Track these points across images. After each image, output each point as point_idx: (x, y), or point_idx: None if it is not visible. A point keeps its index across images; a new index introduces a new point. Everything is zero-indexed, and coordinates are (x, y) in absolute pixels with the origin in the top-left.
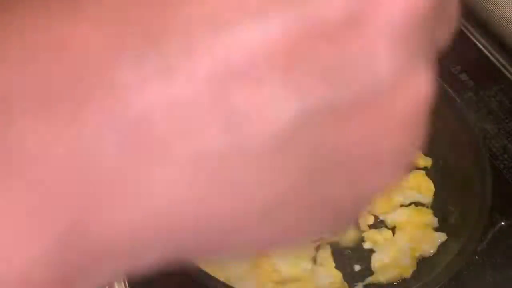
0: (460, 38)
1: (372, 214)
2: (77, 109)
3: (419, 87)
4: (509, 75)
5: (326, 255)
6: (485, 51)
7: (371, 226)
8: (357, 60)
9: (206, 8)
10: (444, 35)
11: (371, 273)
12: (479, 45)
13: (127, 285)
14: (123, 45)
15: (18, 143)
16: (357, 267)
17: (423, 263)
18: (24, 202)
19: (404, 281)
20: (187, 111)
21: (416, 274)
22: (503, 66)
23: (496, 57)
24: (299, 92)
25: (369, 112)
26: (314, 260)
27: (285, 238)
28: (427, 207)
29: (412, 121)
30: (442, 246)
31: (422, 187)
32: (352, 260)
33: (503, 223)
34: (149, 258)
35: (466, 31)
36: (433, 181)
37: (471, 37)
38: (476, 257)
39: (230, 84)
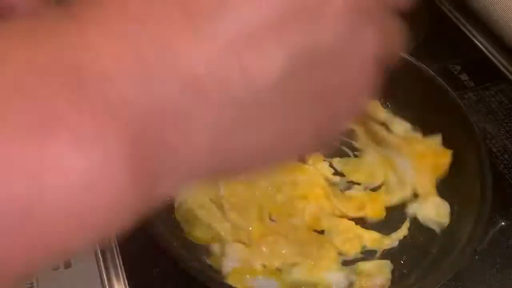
0: (460, 38)
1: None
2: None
3: (367, 40)
4: (509, 75)
5: None
6: (485, 51)
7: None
8: (323, 23)
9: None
10: None
11: None
12: (479, 45)
13: (127, 285)
14: (170, 20)
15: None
16: None
17: (423, 263)
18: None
19: (403, 281)
20: (218, 66)
21: (416, 274)
22: (503, 66)
23: (496, 57)
24: (285, 46)
25: (335, 56)
26: None
27: (288, 152)
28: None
29: (366, 65)
30: (442, 246)
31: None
32: None
33: (503, 223)
34: (203, 166)
35: (466, 31)
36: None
37: (471, 37)
38: (476, 257)
39: (241, 48)
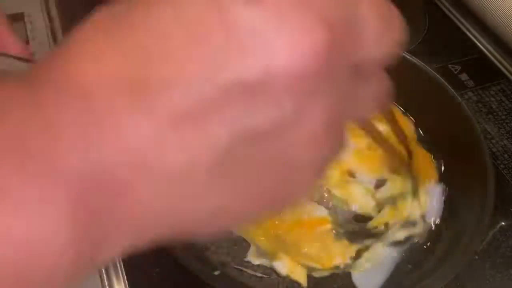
0: (460, 38)
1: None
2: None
3: (315, 117)
4: (509, 75)
5: None
6: (485, 51)
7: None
8: (267, 103)
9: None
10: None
11: None
12: (479, 45)
13: (127, 285)
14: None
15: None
16: None
17: (425, 263)
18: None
19: (404, 281)
20: (156, 142)
21: (417, 274)
22: (503, 66)
23: (496, 57)
24: (227, 123)
25: (282, 134)
26: None
27: (234, 221)
28: None
29: (314, 140)
30: (444, 247)
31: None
32: None
33: (503, 223)
34: (151, 231)
35: (466, 31)
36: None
37: (471, 37)
38: (476, 257)
39: (181, 124)
